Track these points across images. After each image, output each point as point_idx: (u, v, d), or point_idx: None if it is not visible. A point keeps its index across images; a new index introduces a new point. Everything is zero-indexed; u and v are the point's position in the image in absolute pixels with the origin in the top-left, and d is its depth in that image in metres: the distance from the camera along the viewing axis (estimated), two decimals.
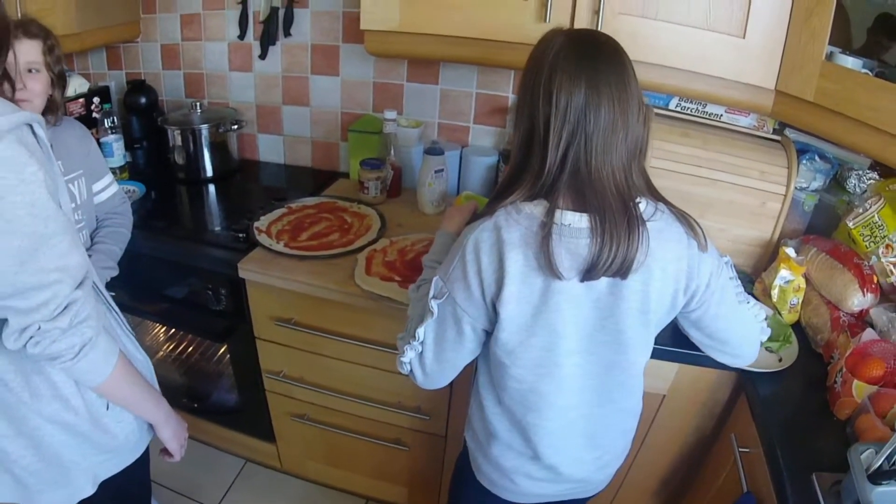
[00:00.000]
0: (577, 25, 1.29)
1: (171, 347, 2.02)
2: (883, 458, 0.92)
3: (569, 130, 0.84)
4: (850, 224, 1.27)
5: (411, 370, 1.00)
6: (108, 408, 0.99)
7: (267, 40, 1.86)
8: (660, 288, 0.89)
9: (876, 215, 1.24)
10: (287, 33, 1.84)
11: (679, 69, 1.29)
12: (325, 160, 2.04)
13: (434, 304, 0.93)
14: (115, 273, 1.33)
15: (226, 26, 1.91)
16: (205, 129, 1.88)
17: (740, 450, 1.17)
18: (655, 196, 0.92)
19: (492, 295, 0.89)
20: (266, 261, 1.47)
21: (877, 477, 0.91)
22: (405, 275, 1.41)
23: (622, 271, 0.85)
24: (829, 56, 1.15)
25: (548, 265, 0.84)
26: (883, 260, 1.22)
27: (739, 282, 1.02)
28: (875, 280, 1.22)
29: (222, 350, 1.88)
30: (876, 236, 1.24)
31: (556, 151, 0.85)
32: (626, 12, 1.26)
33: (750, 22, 1.18)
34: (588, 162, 0.85)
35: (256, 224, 1.60)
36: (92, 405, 0.97)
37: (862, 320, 1.26)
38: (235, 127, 1.92)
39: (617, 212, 0.84)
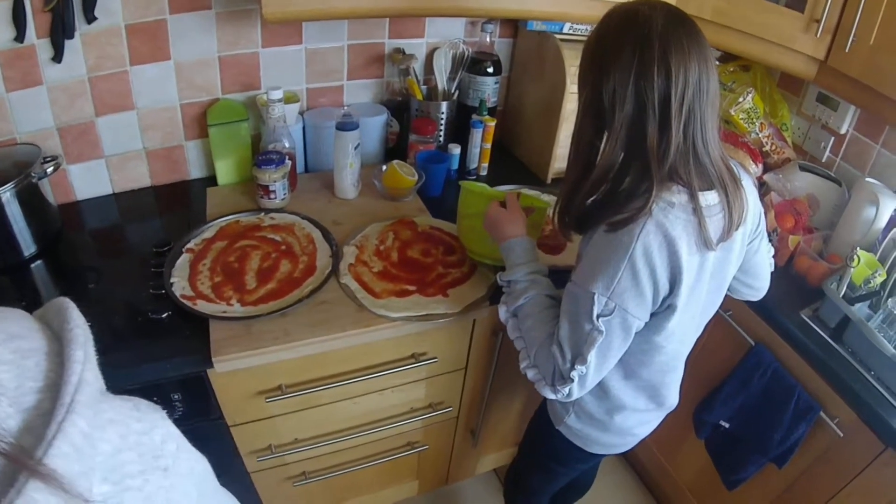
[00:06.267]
0: None
1: None
2: (845, 286, 1.36)
3: (687, 107, 0.88)
4: (732, 112, 1.66)
5: (569, 393, 1.01)
6: None
7: (61, 34, 1.29)
8: (746, 234, 1.06)
9: (750, 102, 1.63)
10: (89, 18, 1.31)
11: None
12: (170, 171, 1.62)
13: (602, 323, 0.94)
14: None
15: None
16: (7, 192, 1.26)
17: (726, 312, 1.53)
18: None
19: (665, 293, 0.95)
20: (239, 336, 1.16)
21: (851, 301, 1.35)
22: (412, 279, 1.33)
23: (737, 228, 0.98)
24: None
25: (706, 244, 0.94)
26: (759, 135, 1.64)
27: None
28: (758, 152, 1.65)
29: None
30: (752, 118, 1.64)
31: (679, 132, 0.89)
32: None
33: None
34: (704, 137, 0.91)
35: (178, 290, 1.24)
36: None
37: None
38: (51, 168, 1.34)
39: (730, 182, 0.95)
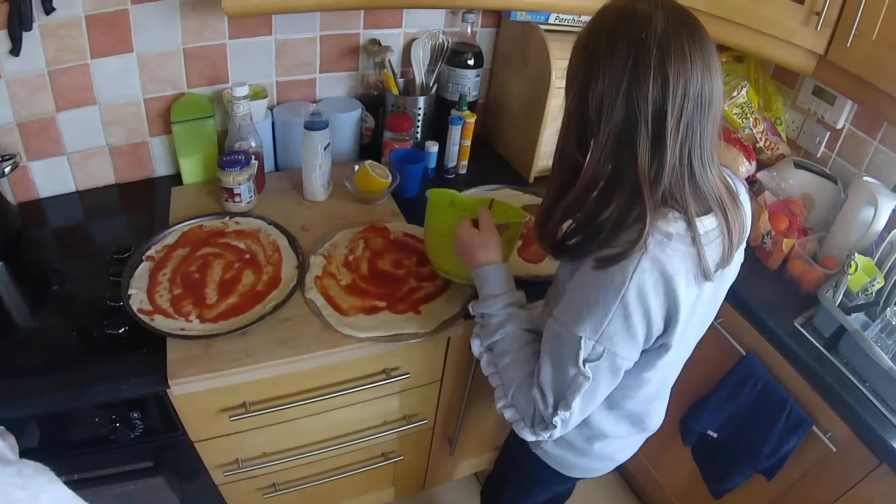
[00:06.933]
0: None
1: None
2: (841, 294, 1.29)
3: (685, 124, 0.77)
4: (725, 107, 1.57)
5: (550, 437, 0.93)
6: None
7: (18, 26, 1.19)
8: (743, 249, 0.97)
9: (745, 97, 1.54)
10: (47, 9, 1.21)
11: None
12: (135, 169, 1.53)
13: (589, 368, 0.86)
14: None
15: None
16: None
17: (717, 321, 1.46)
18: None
19: (658, 333, 0.87)
20: (197, 357, 1.08)
21: (847, 310, 1.28)
22: (382, 293, 1.24)
23: (737, 249, 0.90)
24: None
25: (704, 275, 0.84)
26: (753, 131, 1.56)
27: None
28: (752, 149, 1.57)
29: None
30: (746, 113, 1.55)
31: (675, 151, 0.78)
32: None
33: None
34: (702, 157, 0.81)
35: (136, 304, 1.16)
36: None
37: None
38: (9, 168, 1.25)
39: (730, 203, 0.86)
